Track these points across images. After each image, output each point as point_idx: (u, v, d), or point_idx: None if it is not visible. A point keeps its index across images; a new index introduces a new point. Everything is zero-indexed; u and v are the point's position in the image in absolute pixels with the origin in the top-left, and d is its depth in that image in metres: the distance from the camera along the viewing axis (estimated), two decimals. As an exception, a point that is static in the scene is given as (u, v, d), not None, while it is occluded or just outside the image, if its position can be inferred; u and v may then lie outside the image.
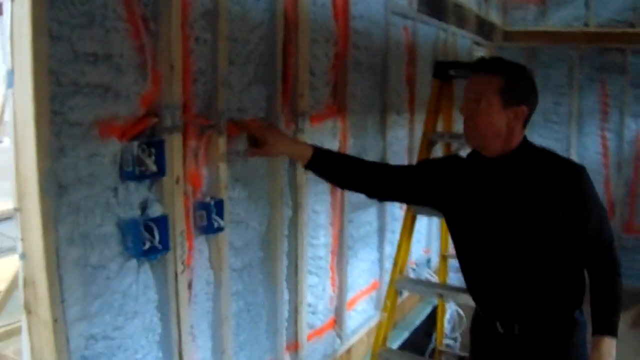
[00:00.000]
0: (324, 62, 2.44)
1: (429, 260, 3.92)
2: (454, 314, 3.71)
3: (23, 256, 1.31)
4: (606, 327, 1.64)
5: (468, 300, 2.01)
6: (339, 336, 2.74)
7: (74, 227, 1.36)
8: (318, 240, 2.51)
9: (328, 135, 2.52)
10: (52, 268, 1.29)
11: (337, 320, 2.73)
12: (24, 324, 1.35)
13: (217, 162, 1.77)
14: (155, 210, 1.56)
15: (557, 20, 5.04)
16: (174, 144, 1.58)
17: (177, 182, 1.61)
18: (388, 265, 3.13)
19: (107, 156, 1.43)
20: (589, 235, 1.66)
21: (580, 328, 1.74)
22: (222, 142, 1.77)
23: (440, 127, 3.00)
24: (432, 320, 3.66)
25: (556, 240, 1.66)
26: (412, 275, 3.64)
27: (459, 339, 3.63)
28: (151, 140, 1.51)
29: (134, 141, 1.46)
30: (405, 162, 3.44)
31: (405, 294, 3.40)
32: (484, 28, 4.71)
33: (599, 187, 4.93)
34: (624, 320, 3.55)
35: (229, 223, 1.86)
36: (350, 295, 2.86)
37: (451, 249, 3.25)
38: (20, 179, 1.28)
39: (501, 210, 1.69)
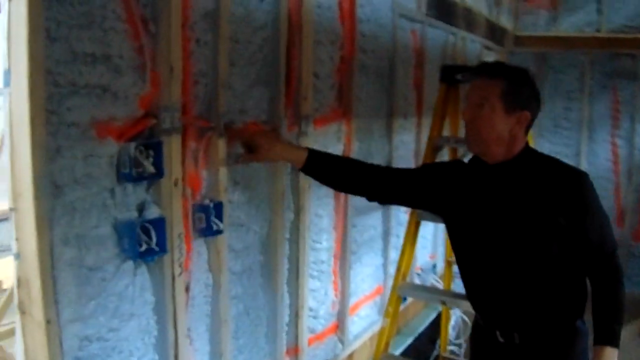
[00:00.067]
0: (329, 65, 2.43)
1: (434, 266, 3.89)
2: (458, 320, 3.68)
3: (17, 256, 1.31)
4: (608, 336, 1.61)
5: (471, 307, 1.98)
6: (341, 341, 2.72)
7: (69, 227, 1.35)
8: (320, 244, 2.49)
9: (332, 139, 2.51)
10: (46, 268, 1.29)
11: (340, 325, 2.71)
12: (17, 324, 1.34)
13: (217, 165, 1.76)
14: (153, 212, 1.55)
15: (568, 26, 5.00)
16: (172, 146, 1.58)
17: (176, 184, 1.60)
18: (393, 270, 3.09)
19: (104, 157, 1.42)
20: (591, 243, 1.64)
21: (582, 337, 1.72)
22: (222, 145, 1.76)
23: (446, 131, 2.97)
24: (436, 326, 3.63)
25: (558, 248, 1.63)
26: (417, 280, 3.62)
27: (464, 345, 3.60)
28: (149, 141, 1.50)
29: (131, 142, 1.46)
30: (412, 167, 3.42)
31: (410, 299, 3.38)
32: (495, 32, 4.69)
33: (609, 194, 4.89)
34: (630, 329, 3.51)
35: (228, 226, 1.85)
36: (353, 300, 2.84)
37: (456, 255, 3.22)
38: (16, 179, 1.28)
39: (502, 217, 1.66)
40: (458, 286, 3.45)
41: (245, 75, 1.90)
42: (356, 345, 2.87)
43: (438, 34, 3.69)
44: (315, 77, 2.31)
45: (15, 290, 1.33)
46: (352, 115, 2.61)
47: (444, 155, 3.13)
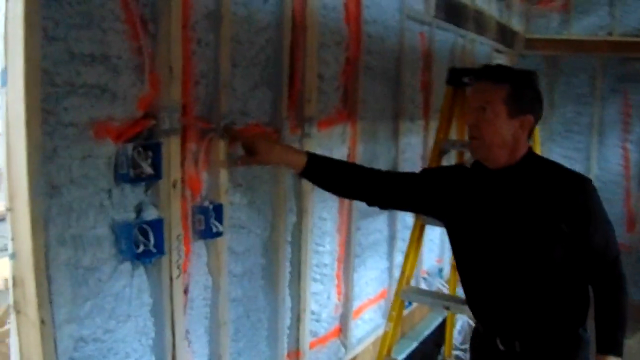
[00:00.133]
0: (334, 67, 2.41)
1: (441, 270, 3.86)
2: (464, 325, 3.65)
3: (13, 256, 1.30)
4: (611, 345, 1.59)
5: (472, 313, 1.96)
6: (344, 345, 2.70)
7: (66, 228, 1.35)
8: (324, 247, 2.48)
9: (337, 141, 2.49)
10: (40, 268, 1.28)
11: (342, 329, 2.69)
12: (13, 324, 1.34)
13: (218, 166, 1.75)
14: (151, 214, 1.54)
15: (580, 29, 4.94)
16: (171, 147, 1.57)
17: (175, 185, 1.59)
18: (398, 274, 3.07)
19: (102, 158, 1.42)
20: (594, 250, 1.61)
21: (584, 346, 1.68)
22: (223, 146, 1.75)
23: (454, 135, 2.94)
24: (442, 330, 3.59)
25: (560, 254, 1.60)
26: (423, 284, 3.59)
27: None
28: (148, 142, 1.50)
29: (129, 143, 1.45)
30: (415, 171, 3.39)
31: (415, 303, 3.35)
32: (505, 35, 4.64)
33: (620, 199, 4.84)
34: (637, 338, 3.46)
35: (229, 228, 1.84)
36: (357, 304, 2.82)
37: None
38: (12, 179, 1.27)
39: (504, 223, 1.64)
40: (464, 291, 3.44)
41: (248, 77, 1.89)
42: (359, 349, 2.85)
43: (447, 36, 3.66)
44: (320, 79, 2.29)
45: (11, 290, 1.33)
46: (357, 117, 2.59)
47: (451, 159, 3.10)
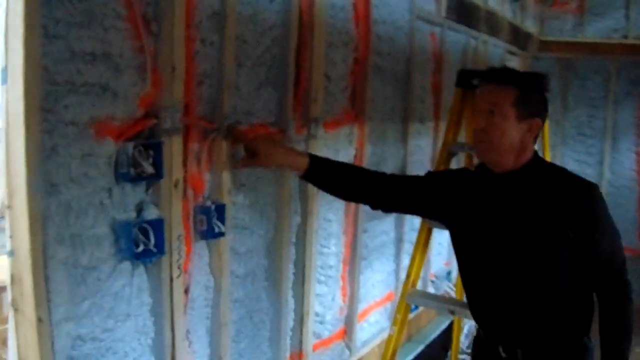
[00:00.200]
0: (342, 67, 2.40)
1: (449, 273, 3.83)
2: (472, 329, 3.61)
3: (11, 253, 1.30)
4: (616, 355, 1.56)
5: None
6: (348, 347, 2.68)
7: (64, 226, 1.35)
8: (329, 249, 2.46)
9: (344, 142, 2.47)
10: (38, 266, 1.28)
11: (347, 331, 2.68)
12: (10, 322, 1.34)
13: (221, 167, 1.74)
14: (151, 213, 1.53)
15: (595, 32, 4.89)
16: (173, 147, 1.56)
17: (176, 185, 1.58)
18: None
19: (102, 156, 1.41)
20: (599, 257, 1.58)
21: (588, 355, 1.65)
22: (225, 147, 1.74)
23: (462, 137, 2.91)
24: (449, 334, 3.56)
25: (565, 261, 1.57)
26: (431, 287, 3.56)
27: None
28: (149, 141, 1.49)
29: (130, 142, 1.44)
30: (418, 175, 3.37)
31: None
32: (519, 37, 4.60)
33: (632, 205, 4.78)
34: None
35: (232, 228, 1.84)
36: (362, 306, 2.80)
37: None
38: (10, 177, 1.27)
39: (508, 228, 1.61)
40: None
41: (253, 76, 1.87)
42: (364, 351, 2.83)
43: (459, 37, 3.63)
44: (327, 79, 2.28)
45: (9, 288, 1.33)
46: (365, 118, 2.57)
47: (460, 162, 3.07)
